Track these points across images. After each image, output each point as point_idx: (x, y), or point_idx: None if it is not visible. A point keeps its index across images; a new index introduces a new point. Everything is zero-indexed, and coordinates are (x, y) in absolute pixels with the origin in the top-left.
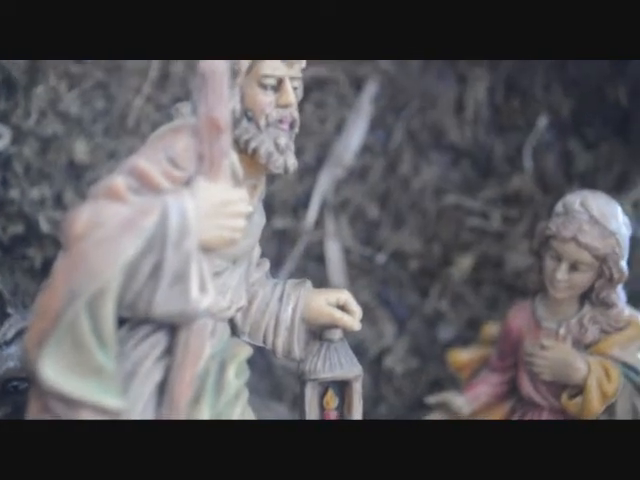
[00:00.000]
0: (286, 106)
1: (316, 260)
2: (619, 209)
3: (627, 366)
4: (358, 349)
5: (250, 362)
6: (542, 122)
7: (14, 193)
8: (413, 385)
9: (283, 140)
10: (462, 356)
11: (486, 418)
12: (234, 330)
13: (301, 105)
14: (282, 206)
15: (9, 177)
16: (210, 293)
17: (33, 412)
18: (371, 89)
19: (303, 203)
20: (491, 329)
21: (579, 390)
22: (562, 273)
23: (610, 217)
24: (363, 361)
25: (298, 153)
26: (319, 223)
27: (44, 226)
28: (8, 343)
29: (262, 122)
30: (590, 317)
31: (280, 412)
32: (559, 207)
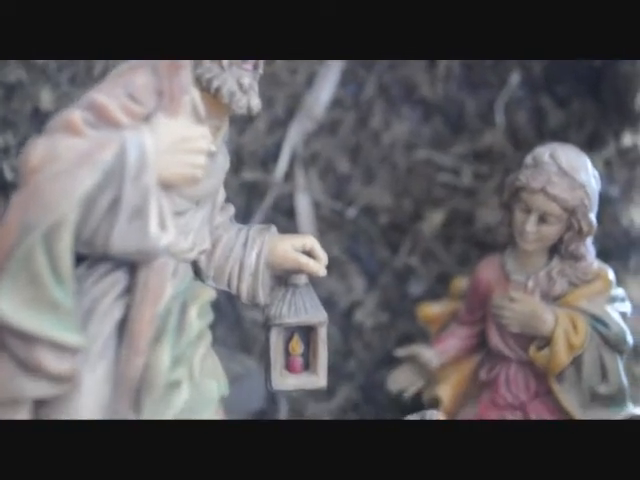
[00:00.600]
0: None
1: (285, 213)
2: (588, 162)
3: (594, 318)
4: (328, 302)
5: (219, 314)
6: (514, 79)
7: None
8: (383, 339)
9: (246, 80)
10: (432, 310)
11: (455, 371)
12: (199, 274)
13: None
14: (251, 158)
15: None
16: (170, 231)
17: None
18: None
19: (273, 155)
20: (460, 283)
21: (547, 342)
22: (531, 225)
23: (579, 169)
24: (333, 315)
25: (268, 104)
26: (289, 176)
27: (8, 174)
28: None
29: (225, 61)
30: (559, 270)
31: (248, 364)
32: (529, 159)
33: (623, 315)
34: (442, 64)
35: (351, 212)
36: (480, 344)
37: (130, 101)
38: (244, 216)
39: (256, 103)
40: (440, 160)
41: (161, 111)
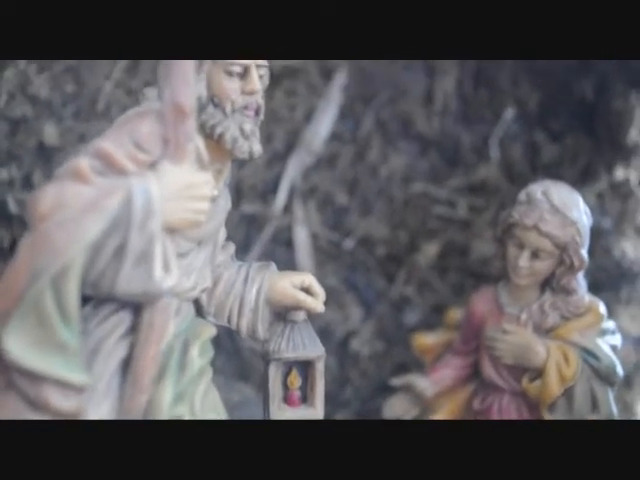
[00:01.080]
0: (251, 93)
1: (284, 245)
2: (580, 199)
3: (586, 351)
4: (325, 332)
5: (218, 344)
6: (509, 114)
7: None
8: (378, 368)
9: (248, 126)
10: (427, 340)
11: (449, 400)
12: (199, 311)
13: (271, 92)
14: (251, 191)
15: None
16: (174, 273)
17: None
18: (341, 78)
19: (272, 189)
20: (455, 314)
21: (539, 374)
22: (524, 260)
23: (571, 206)
24: (329, 344)
25: (268, 139)
26: (287, 209)
27: (13, 207)
28: None
29: (228, 108)
30: (551, 303)
31: (246, 393)
32: (522, 196)
33: (614, 348)
34: (438, 99)
35: (348, 243)
36: (474, 374)
37: (136, 149)
38: (244, 248)
39: (257, 149)
40: (436, 193)
41: (166, 158)
